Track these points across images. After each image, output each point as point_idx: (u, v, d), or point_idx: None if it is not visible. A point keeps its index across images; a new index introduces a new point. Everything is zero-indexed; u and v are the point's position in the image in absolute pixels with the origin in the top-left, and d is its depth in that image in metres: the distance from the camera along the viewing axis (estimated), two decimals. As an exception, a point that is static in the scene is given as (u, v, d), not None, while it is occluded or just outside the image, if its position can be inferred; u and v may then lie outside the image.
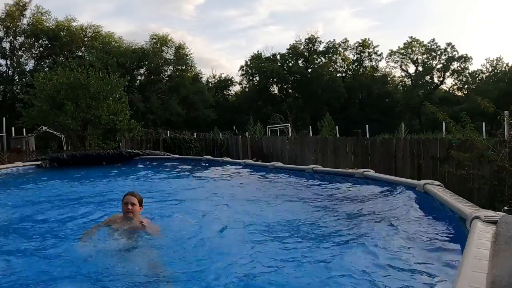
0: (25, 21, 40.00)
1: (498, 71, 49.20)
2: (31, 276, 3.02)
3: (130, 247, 3.56)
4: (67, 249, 3.62)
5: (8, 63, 40.08)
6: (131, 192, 4.03)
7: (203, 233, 4.10)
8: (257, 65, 50.46)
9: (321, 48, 52.08)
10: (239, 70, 52.85)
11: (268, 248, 3.54)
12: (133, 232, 3.77)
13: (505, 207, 6.38)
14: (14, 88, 39.70)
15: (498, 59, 49.47)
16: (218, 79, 54.42)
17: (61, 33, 40.41)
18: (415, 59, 51.72)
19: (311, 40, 51.61)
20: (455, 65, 50.55)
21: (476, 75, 51.13)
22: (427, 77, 51.17)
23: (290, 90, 52.37)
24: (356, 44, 52.53)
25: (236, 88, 54.85)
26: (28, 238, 4.05)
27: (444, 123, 11.71)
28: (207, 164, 9.87)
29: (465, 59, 49.98)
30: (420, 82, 50.72)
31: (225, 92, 55.12)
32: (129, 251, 3.51)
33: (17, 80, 40.37)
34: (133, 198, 3.92)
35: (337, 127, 25.35)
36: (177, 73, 45.41)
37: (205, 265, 3.25)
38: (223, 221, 4.52)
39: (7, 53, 39.86)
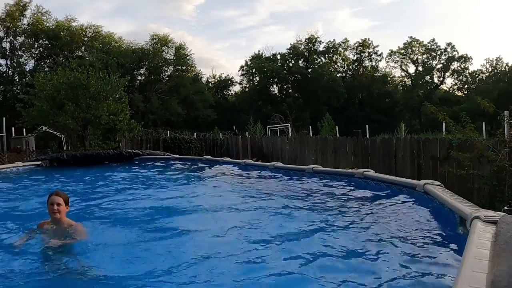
0: (25, 21, 40.06)
1: (498, 71, 49.20)
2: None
3: (59, 250, 3.53)
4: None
5: (8, 63, 40.09)
6: (56, 192, 3.89)
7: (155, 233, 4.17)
8: (257, 65, 50.43)
9: (321, 48, 52.13)
10: (239, 70, 52.97)
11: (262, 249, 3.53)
12: (61, 234, 3.72)
13: (505, 207, 6.38)
14: (14, 88, 39.67)
15: (498, 59, 49.57)
16: (218, 79, 54.43)
17: (61, 33, 40.38)
18: (415, 59, 51.71)
19: (311, 40, 51.60)
20: (455, 65, 50.55)
21: (476, 75, 51.14)
22: (427, 77, 51.14)
23: (290, 90, 52.35)
24: (356, 44, 52.56)
25: (236, 88, 54.96)
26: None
27: (444, 123, 11.71)
28: (207, 164, 9.86)
29: (465, 59, 49.98)
30: (420, 82, 50.69)
31: (225, 92, 55.11)
32: (57, 254, 3.48)
33: (17, 80, 40.33)
34: (58, 198, 3.77)
35: (337, 127, 25.35)
36: (177, 73, 45.39)
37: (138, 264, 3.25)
38: (200, 220, 4.57)
39: (7, 53, 39.86)
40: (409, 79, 52.64)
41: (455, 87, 52.81)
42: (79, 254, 3.55)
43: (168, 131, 24.43)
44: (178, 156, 11.97)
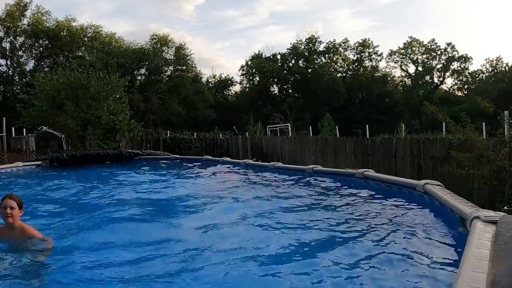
0: (25, 21, 40.05)
1: (498, 71, 49.19)
2: None
3: (15, 256, 3.51)
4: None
5: (8, 63, 40.08)
6: (9, 195, 3.78)
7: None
8: (257, 65, 50.42)
9: (321, 48, 52.11)
10: (239, 70, 52.98)
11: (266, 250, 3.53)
12: (15, 239, 3.69)
13: (505, 207, 6.38)
14: (14, 88, 39.68)
15: (498, 59, 49.56)
16: (218, 79, 54.43)
17: (61, 33, 40.38)
18: (415, 59, 51.70)
19: (311, 40, 51.58)
20: (455, 65, 50.53)
21: (476, 75, 51.13)
22: (427, 77, 51.13)
23: (290, 90, 52.34)
24: (356, 44, 52.55)
25: (236, 88, 54.95)
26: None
27: (444, 123, 11.71)
28: (207, 164, 9.85)
29: (465, 59, 49.95)
30: (420, 82, 50.69)
31: (225, 92, 55.10)
32: (14, 260, 3.46)
33: (17, 80, 40.33)
34: (11, 201, 3.68)
35: (337, 127, 25.35)
36: (177, 73, 45.38)
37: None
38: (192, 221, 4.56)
39: (7, 53, 39.84)
40: (409, 79, 52.64)
41: (455, 87, 52.84)
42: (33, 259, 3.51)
43: (168, 131, 24.44)
44: (178, 156, 11.97)
